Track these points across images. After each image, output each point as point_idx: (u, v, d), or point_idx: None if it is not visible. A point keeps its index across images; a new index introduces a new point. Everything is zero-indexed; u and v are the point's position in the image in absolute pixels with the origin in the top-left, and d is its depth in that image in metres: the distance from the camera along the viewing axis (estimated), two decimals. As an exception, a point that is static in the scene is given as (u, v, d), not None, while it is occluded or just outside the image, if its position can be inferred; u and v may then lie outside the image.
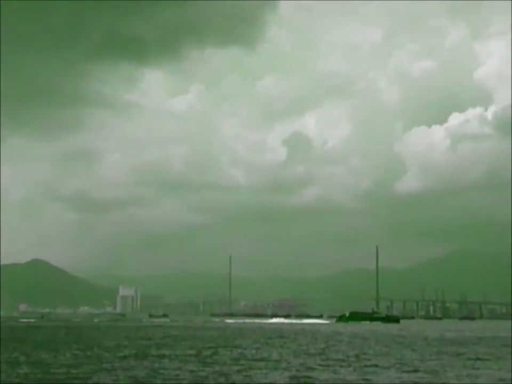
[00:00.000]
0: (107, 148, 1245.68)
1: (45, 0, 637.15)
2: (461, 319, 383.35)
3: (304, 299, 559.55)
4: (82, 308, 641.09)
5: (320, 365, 47.93)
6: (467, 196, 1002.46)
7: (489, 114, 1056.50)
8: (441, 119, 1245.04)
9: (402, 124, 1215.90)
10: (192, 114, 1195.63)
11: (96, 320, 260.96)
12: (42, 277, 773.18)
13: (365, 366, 47.91)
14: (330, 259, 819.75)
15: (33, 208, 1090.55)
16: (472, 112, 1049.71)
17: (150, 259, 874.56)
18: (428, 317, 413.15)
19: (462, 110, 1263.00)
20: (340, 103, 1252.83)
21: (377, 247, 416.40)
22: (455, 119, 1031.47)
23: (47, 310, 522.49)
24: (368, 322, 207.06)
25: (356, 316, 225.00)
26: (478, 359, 56.59)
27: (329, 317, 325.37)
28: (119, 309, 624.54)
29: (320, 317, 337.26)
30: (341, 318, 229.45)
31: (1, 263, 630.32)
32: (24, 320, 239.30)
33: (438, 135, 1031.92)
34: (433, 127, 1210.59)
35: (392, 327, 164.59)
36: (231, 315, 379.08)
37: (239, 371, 42.73)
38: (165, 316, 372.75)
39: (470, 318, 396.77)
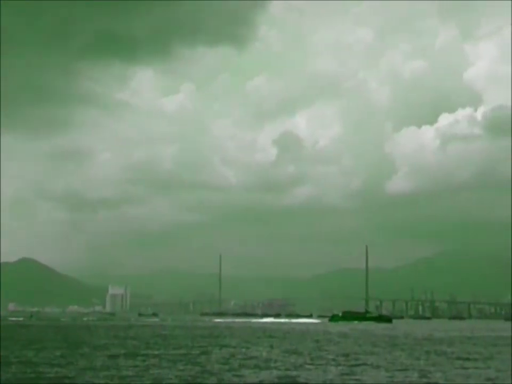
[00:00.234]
0: (98, 146, 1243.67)
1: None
2: (450, 318, 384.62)
3: (294, 299, 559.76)
4: (71, 307, 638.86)
5: (310, 364, 47.94)
6: (457, 196, 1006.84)
7: (479, 115, 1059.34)
8: (431, 119, 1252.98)
9: (393, 124, 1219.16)
10: (183, 114, 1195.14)
11: (85, 319, 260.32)
12: (32, 275, 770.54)
13: (355, 365, 47.96)
14: (320, 259, 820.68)
15: (23, 207, 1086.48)
16: (462, 113, 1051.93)
17: (140, 258, 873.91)
18: (417, 316, 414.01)
19: (452, 110, 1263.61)
20: (330, 102, 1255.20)
21: (367, 247, 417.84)
22: (445, 119, 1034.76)
23: (36, 309, 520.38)
24: (360, 322, 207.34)
25: (349, 316, 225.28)
26: (467, 358, 56.76)
27: (319, 317, 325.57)
28: (108, 308, 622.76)
29: (310, 316, 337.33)
30: (334, 318, 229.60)
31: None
32: (13, 319, 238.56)
33: (428, 135, 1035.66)
34: (423, 127, 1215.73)
35: (385, 327, 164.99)
36: (221, 314, 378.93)
37: (228, 370, 42.70)
38: (154, 315, 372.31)
39: (459, 317, 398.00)
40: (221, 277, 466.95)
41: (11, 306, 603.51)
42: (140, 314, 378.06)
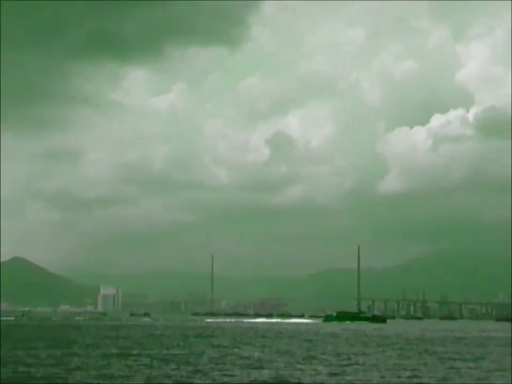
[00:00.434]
0: (90, 146, 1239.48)
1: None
2: (441, 319, 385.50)
3: (286, 299, 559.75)
4: (63, 307, 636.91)
5: (301, 364, 48.00)
6: (448, 196, 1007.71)
7: (471, 115, 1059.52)
8: (423, 120, 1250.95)
9: (385, 125, 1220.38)
10: (175, 114, 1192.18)
11: (77, 318, 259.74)
12: (23, 275, 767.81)
13: (347, 365, 48.06)
14: (312, 258, 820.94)
15: (15, 206, 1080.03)
16: (454, 114, 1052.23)
17: (132, 258, 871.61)
18: (408, 316, 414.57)
19: (443, 111, 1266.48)
20: (323, 103, 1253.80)
21: (359, 247, 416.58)
22: (436, 120, 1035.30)
23: (27, 309, 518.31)
24: (355, 322, 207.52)
25: (343, 316, 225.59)
26: (458, 358, 56.97)
27: (311, 317, 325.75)
28: (100, 308, 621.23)
29: (302, 316, 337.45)
30: (328, 318, 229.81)
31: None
32: (4, 318, 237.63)
33: (420, 136, 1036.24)
34: (415, 127, 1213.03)
35: (379, 327, 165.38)
36: (213, 314, 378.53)
37: (219, 370, 42.71)
38: (146, 315, 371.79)
39: (450, 318, 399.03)
40: (213, 277, 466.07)
41: (2, 305, 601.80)
42: (131, 314, 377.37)
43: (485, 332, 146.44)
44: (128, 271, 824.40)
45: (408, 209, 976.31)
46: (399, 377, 40.72)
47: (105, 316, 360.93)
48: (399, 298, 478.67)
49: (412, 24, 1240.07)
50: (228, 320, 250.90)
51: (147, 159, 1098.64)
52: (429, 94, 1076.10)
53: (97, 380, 37.23)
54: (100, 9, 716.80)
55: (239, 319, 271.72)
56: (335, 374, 41.51)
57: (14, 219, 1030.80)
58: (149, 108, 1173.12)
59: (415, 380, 39.58)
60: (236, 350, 63.35)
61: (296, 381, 38.17)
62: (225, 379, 38.24)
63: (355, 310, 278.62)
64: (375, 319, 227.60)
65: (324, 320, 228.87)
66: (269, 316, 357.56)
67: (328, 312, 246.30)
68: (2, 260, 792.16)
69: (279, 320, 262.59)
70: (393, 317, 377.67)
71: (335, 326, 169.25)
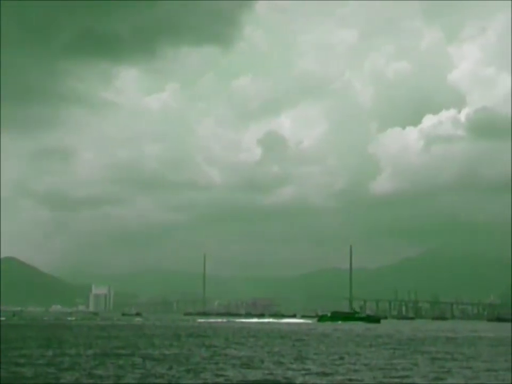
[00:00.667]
0: (82, 145, 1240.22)
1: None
2: (433, 319, 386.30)
3: (278, 298, 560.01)
4: (54, 307, 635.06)
5: (293, 364, 48.04)
6: (440, 196, 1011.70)
7: (462, 116, 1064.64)
8: (415, 120, 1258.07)
9: (377, 125, 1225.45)
10: (168, 113, 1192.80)
11: (69, 318, 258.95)
12: (15, 274, 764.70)
13: (340, 364, 48.12)
14: (304, 258, 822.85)
15: (6, 205, 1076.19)
16: (446, 114, 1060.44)
17: (124, 257, 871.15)
18: (400, 317, 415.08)
19: (435, 112, 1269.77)
20: (315, 103, 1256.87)
21: (351, 247, 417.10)
22: (429, 120, 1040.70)
23: (19, 309, 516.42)
24: (349, 322, 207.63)
25: (337, 316, 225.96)
26: (449, 358, 57.12)
27: (303, 317, 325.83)
28: (91, 308, 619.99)
29: (294, 316, 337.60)
30: (322, 318, 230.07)
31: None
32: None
33: (412, 136, 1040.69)
34: (407, 128, 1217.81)
35: (373, 327, 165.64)
36: (205, 314, 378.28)
37: (211, 370, 42.69)
38: (138, 314, 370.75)
39: (442, 318, 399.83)
40: (205, 277, 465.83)
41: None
42: (123, 314, 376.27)
43: (476, 332, 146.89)
44: (120, 271, 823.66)
45: (400, 210, 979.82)
46: (391, 377, 40.79)
47: (96, 315, 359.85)
48: (391, 298, 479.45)
49: (404, 25, 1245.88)
50: (220, 320, 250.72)
51: (139, 159, 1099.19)
52: (421, 94, 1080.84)
53: (88, 380, 37.15)
54: (92, 9, 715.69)
55: (231, 319, 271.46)
56: (327, 374, 41.56)
57: (5, 218, 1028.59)
58: (141, 107, 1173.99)
59: (406, 380, 39.67)
60: (227, 350, 63.32)
61: (288, 381, 38.18)
62: (217, 379, 38.21)
63: (347, 310, 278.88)
64: (369, 319, 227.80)
65: (318, 320, 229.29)
66: (261, 315, 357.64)
67: (320, 312, 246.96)
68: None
69: (271, 320, 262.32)
70: (385, 317, 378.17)
71: (329, 326, 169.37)
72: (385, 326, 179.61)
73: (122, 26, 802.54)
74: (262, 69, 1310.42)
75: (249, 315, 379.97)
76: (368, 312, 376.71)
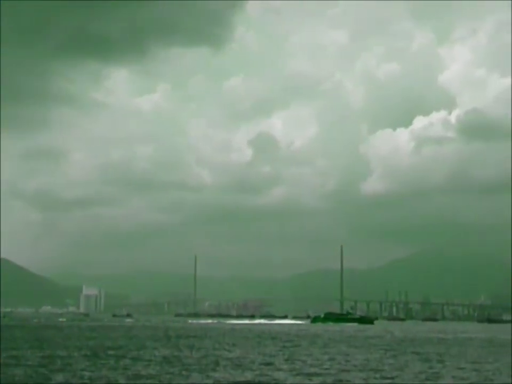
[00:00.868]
0: (72, 146, 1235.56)
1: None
2: (423, 320, 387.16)
3: (269, 299, 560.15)
4: (44, 307, 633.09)
5: (284, 365, 48.05)
6: (431, 197, 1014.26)
7: (453, 118, 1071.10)
8: (406, 122, 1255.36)
9: (368, 126, 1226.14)
10: (159, 114, 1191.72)
11: (60, 319, 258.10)
12: (5, 275, 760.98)
13: (332, 365, 48.18)
14: (295, 259, 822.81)
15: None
16: (436, 116, 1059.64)
17: (115, 258, 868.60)
18: (391, 318, 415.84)
19: (426, 113, 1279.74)
20: (306, 104, 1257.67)
21: (341, 248, 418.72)
22: (419, 122, 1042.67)
23: (8, 309, 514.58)
24: (343, 323, 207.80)
25: (331, 317, 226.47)
26: (440, 359, 57.31)
27: (294, 318, 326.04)
28: (82, 309, 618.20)
29: (285, 317, 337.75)
30: (316, 319, 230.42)
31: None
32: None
33: (402, 137, 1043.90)
34: (398, 129, 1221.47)
35: (366, 328, 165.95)
36: (196, 315, 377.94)
37: (200, 371, 42.66)
38: (128, 316, 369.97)
39: (432, 319, 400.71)
40: (196, 278, 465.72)
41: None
42: (114, 315, 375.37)
43: (467, 333, 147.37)
44: (111, 272, 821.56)
45: (390, 210, 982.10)
46: (382, 377, 40.88)
47: (87, 316, 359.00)
48: (382, 299, 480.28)
49: (395, 26, 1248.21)
50: (210, 321, 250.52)
51: (130, 159, 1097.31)
52: (412, 96, 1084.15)
53: (79, 381, 37.06)
54: (83, 9, 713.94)
55: (222, 320, 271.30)
56: (318, 375, 41.60)
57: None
58: (132, 108, 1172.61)
59: (397, 380, 39.77)
60: (218, 351, 63.28)
61: (278, 381, 38.19)
62: (207, 380, 38.20)
63: (338, 311, 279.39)
64: (362, 320, 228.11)
65: (312, 321, 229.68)
66: (252, 317, 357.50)
67: (311, 313, 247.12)
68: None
69: (263, 321, 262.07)
70: (376, 318, 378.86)
71: (323, 327, 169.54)
72: (379, 327, 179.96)
73: (113, 27, 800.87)
74: (253, 70, 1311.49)
75: (240, 316, 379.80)
76: (359, 313, 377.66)
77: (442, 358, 59.08)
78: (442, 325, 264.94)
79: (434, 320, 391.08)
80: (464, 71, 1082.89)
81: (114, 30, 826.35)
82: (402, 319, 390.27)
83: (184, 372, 41.77)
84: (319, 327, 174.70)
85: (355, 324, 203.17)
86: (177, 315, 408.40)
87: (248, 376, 40.32)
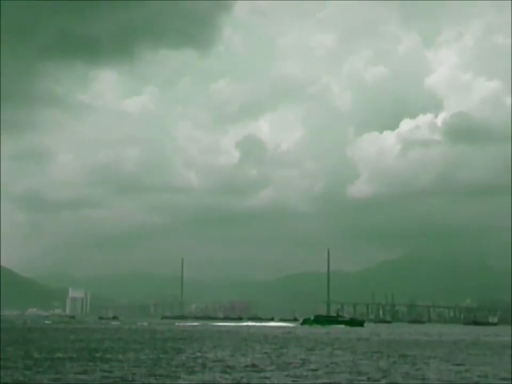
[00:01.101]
0: (60, 148, 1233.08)
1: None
2: (410, 322, 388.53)
3: (255, 302, 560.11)
4: (30, 310, 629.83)
5: (270, 367, 48.00)
6: (417, 200, 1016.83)
7: (439, 121, 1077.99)
8: (393, 124, 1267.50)
9: (355, 129, 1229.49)
10: (146, 116, 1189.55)
11: (46, 322, 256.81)
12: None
13: (316, 369, 48.16)
14: (282, 262, 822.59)
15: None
16: (423, 119, 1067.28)
17: (102, 260, 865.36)
18: (377, 320, 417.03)
19: (413, 116, 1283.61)
20: (294, 106, 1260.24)
21: (328, 250, 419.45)
22: (406, 125, 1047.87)
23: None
24: (333, 325, 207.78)
25: (321, 319, 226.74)
26: (425, 362, 57.47)
27: (281, 320, 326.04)
28: (68, 311, 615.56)
29: (272, 319, 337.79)
30: (306, 321, 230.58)
31: None
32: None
33: (389, 140, 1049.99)
34: (385, 132, 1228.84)
35: (357, 330, 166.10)
36: (182, 318, 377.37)
37: (188, 373, 42.53)
38: (115, 318, 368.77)
39: (419, 321, 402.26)
40: (182, 280, 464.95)
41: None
42: (100, 318, 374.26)
43: (453, 335, 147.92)
44: (97, 274, 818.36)
45: (377, 213, 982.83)
46: (369, 378, 40.92)
47: (73, 319, 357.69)
48: (369, 302, 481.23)
49: (382, 30, 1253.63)
50: (197, 323, 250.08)
51: (117, 161, 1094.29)
52: (399, 99, 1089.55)
53: (63, 383, 36.84)
54: (69, 10, 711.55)
55: (209, 323, 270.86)
56: (305, 377, 41.57)
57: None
58: (119, 110, 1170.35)
59: (383, 381, 39.86)
60: (204, 354, 63.12)
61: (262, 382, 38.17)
62: (194, 382, 38.09)
63: (324, 313, 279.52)
64: (353, 322, 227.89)
65: (301, 323, 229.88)
66: (239, 319, 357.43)
67: (298, 316, 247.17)
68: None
69: (250, 323, 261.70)
70: (363, 321, 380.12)
71: (312, 329, 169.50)
72: (367, 330, 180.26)
73: (101, 28, 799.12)
74: (241, 72, 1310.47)
75: (227, 318, 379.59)
76: (346, 315, 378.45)
77: (428, 360, 59.22)
78: (428, 327, 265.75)
79: (421, 322, 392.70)
80: (451, 74, 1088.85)
81: (102, 32, 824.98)
82: (389, 322, 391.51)
83: (171, 374, 41.62)
84: (309, 329, 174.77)
85: (345, 326, 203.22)
86: (164, 317, 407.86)
87: (235, 378, 40.23)
